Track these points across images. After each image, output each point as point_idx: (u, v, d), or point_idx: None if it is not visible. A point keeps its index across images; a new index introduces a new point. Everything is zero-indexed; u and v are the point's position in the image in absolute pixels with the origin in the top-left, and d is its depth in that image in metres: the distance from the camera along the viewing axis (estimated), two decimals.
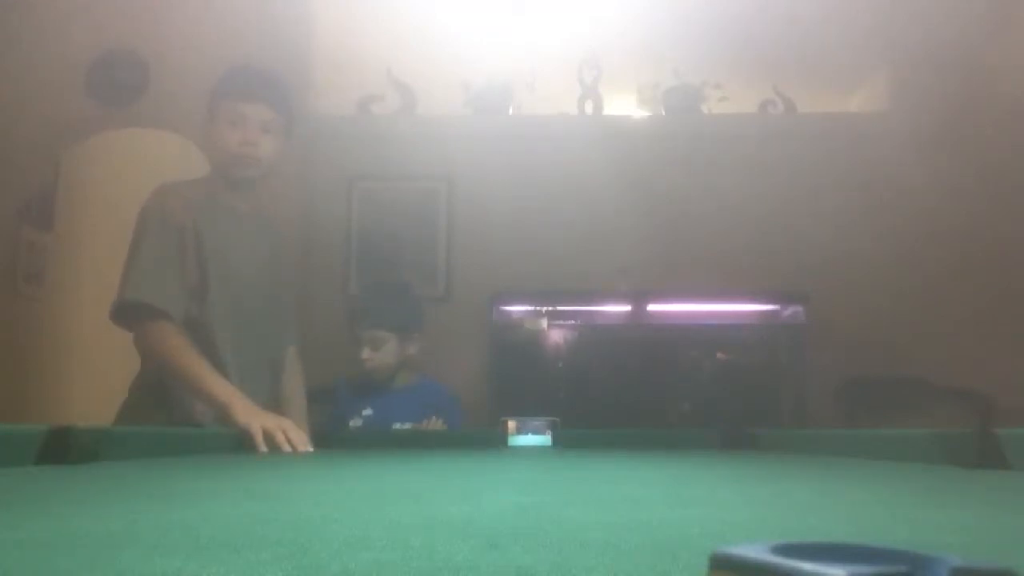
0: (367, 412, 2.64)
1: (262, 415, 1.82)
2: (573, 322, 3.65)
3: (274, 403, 2.08)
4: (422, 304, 2.90)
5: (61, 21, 3.62)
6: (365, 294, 3.25)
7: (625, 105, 4.27)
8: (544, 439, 2.13)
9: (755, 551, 0.28)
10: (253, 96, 2.02)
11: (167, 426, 1.85)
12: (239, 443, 1.76)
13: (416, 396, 2.70)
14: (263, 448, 1.76)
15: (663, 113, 4.07)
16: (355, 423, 2.62)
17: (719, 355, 3.59)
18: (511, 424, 2.16)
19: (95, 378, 3.48)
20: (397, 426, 2.59)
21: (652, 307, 3.69)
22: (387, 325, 2.67)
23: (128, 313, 1.90)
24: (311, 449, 1.84)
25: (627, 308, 3.70)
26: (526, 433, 2.16)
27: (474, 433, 2.39)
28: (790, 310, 3.60)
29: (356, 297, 3.42)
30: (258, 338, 2.07)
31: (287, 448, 1.78)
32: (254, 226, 2.13)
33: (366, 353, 2.64)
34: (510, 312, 3.62)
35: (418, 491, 0.85)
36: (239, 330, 2.01)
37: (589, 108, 4.08)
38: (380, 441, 2.22)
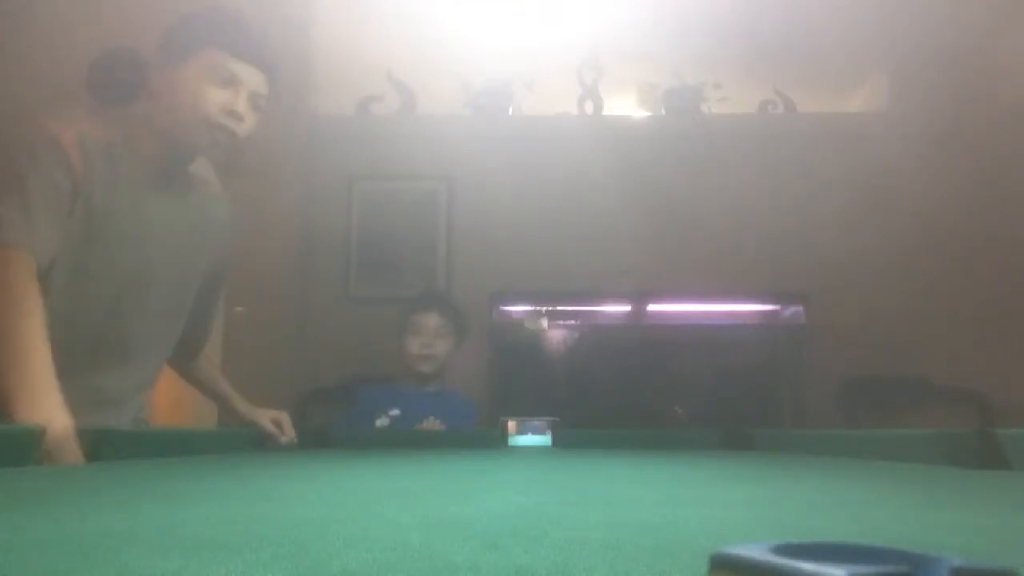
0: (394, 412, 2.66)
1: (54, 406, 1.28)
2: (573, 322, 3.65)
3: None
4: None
5: (61, 21, 3.62)
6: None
7: (625, 105, 4.27)
8: (544, 439, 2.13)
9: (755, 551, 0.28)
10: (252, 56, 1.55)
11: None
12: (240, 443, 1.77)
13: (442, 401, 2.73)
14: (273, 432, 1.81)
15: (663, 113, 4.07)
16: (382, 422, 2.63)
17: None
18: (511, 424, 2.17)
19: None
20: (391, 414, 2.64)
21: (652, 307, 3.69)
22: (446, 309, 2.80)
23: None
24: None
25: (627, 308, 3.70)
26: (526, 433, 2.17)
27: (474, 433, 2.39)
28: (790, 310, 3.60)
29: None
30: (166, 323, 1.73)
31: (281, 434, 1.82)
32: (184, 203, 1.70)
33: (428, 339, 2.71)
34: (510, 312, 3.62)
35: (418, 491, 0.85)
36: (145, 311, 1.64)
37: (589, 108, 4.08)
38: (379, 440, 2.22)
